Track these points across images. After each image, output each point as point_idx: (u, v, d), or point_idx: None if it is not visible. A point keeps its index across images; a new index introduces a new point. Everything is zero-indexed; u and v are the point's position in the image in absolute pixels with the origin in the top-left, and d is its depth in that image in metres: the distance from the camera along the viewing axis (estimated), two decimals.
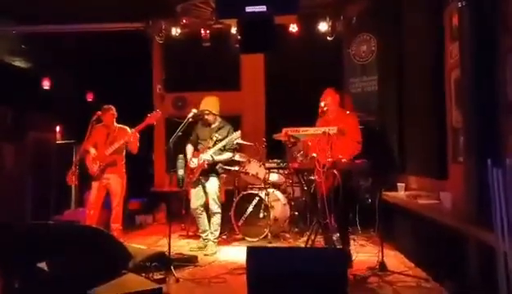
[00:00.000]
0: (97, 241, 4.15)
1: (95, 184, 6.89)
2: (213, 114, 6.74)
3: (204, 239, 6.80)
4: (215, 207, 6.70)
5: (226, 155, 6.72)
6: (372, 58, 8.31)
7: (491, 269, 3.56)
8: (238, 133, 6.65)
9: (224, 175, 7.33)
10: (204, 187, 6.71)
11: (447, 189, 5.34)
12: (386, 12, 7.70)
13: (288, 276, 3.68)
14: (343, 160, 5.50)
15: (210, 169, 6.66)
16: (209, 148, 6.60)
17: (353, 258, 5.77)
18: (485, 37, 4.17)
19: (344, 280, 3.77)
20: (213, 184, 6.70)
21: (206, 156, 6.55)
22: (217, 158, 6.63)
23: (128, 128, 6.92)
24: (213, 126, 6.78)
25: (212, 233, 6.75)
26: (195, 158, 6.64)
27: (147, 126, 6.77)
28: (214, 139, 6.62)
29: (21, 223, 5.26)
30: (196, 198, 6.73)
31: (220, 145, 6.58)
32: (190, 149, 6.81)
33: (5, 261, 4.36)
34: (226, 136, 6.64)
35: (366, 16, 8.27)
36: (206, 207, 6.80)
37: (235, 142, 6.78)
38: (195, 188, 6.70)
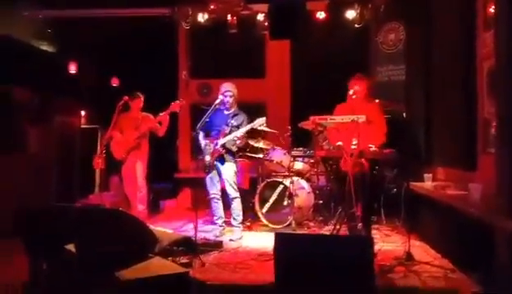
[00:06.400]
0: (124, 224, 4.18)
1: (124, 169, 7.07)
2: (234, 98, 6.70)
3: (220, 226, 6.81)
4: (233, 192, 6.67)
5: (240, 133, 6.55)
6: (400, 47, 8.21)
7: None
8: (263, 119, 6.58)
9: (239, 160, 7.36)
10: (219, 172, 6.69)
11: (476, 181, 5.26)
12: (415, 1, 7.60)
13: (316, 263, 3.67)
14: (372, 149, 5.45)
15: (226, 154, 6.63)
16: (226, 134, 6.54)
17: (377, 248, 5.72)
18: None
19: (371, 268, 3.75)
20: (229, 168, 6.67)
21: (227, 139, 6.52)
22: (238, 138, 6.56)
23: (151, 115, 7.07)
24: (228, 112, 6.72)
25: (235, 218, 6.74)
26: (210, 144, 6.56)
27: (171, 113, 6.88)
28: (230, 125, 6.57)
29: (48, 206, 5.29)
30: (212, 184, 6.72)
31: (243, 130, 6.52)
32: (201, 134, 6.72)
33: (33, 243, 4.42)
34: (241, 124, 6.58)
35: (394, 4, 8.15)
36: (222, 193, 6.80)
37: (259, 128, 6.74)
38: (208, 174, 6.66)
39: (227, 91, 6.64)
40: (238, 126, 6.56)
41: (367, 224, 5.78)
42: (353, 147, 5.38)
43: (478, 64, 5.58)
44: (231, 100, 6.65)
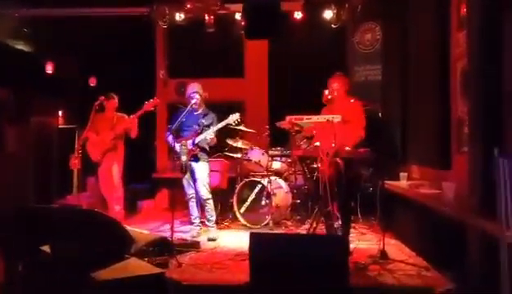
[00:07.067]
0: (100, 225, 4.16)
1: (100, 170, 7.08)
2: (201, 98, 6.72)
3: (198, 226, 6.82)
4: (206, 193, 6.68)
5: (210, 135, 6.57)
6: (377, 47, 8.27)
7: (493, 258, 3.57)
8: (236, 115, 6.61)
9: (218, 160, 7.49)
10: (192, 172, 6.67)
11: (450, 180, 5.33)
12: (391, 1, 7.67)
13: (290, 262, 3.69)
14: (347, 148, 5.49)
15: (199, 154, 6.63)
16: (199, 133, 6.53)
17: (353, 246, 5.77)
18: (493, 26, 4.15)
19: (345, 267, 3.79)
20: (202, 169, 6.68)
21: (200, 138, 6.51)
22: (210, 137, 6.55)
23: (125, 116, 7.06)
24: (197, 112, 6.73)
25: (209, 220, 6.77)
26: (185, 143, 6.45)
27: (145, 112, 6.86)
28: (201, 125, 6.56)
29: (24, 206, 5.25)
30: (189, 184, 6.73)
31: (218, 127, 6.55)
32: (171, 137, 6.66)
33: (8, 244, 4.38)
34: (212, 123, 6.60)
35: (371, 5, 8.20)
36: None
37: (235, 126, 6.77)
38: (185, 175, 6.62)
39: (194, 93, 6.66)
40: (209, 126, 6.58)
41: (346, 224, 5.83)
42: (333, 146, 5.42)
43: (451, 64, 5.65)
44: (198, 100, 6.66)
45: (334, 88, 5.90)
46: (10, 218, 4.44)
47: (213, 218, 6.80)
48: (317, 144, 5.66)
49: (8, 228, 4.42)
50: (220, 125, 6.56)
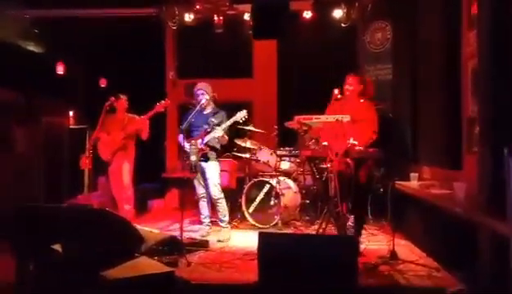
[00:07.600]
0: (110, 224, 4.19)
1: (111, 169, 7.17)
2: (209, 97, 6.71)
3: (207, 225, 6.83)
4: (218, 193, 6.66)
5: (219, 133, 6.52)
6: (387, 46, 8.23)
7: (504, 259, 3.55)
8: (244, 112, 6.59)
9: (226, 160, 7.54)
10: (203, 172, 6.67)
11: (461, 180, 5.29)
12: (401, 0, 7.65)
13: (299, 262, 3.69)
14: (357, 148, 5.48)
15: (209, 153, 6.61)
16: (208, 132, 6.51)
17: (363, 247, 5.76)
18: (504, 25, 4.12)
19: (355, 268, 3.78)
20: (212, 169, 6.67)
21: (210, 136, 6.49)
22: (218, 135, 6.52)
23: (136, 117, 7.14)
24: (206, 111, 6.73)
25: (222, 220, 6.76)
26: (195, 143, 6.33)
27: (156, 113, 6.89)
28: (211, 124, 6.53)
29: (35, 206, 5.29)
30: (199, 184, 6.73)
31: (227, 124, 6.54)
32: (181, 137, 6.69)
33: (20, 244, 4.41)
34: (222, 121, 6.57)
35: (381, 3, 8.19)
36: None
37: (244, 125, 6.79)
38: (196, 175, 6.57)
39: (199, 90, 6.66)
40: (219, 124, 6.55)
41: (359, 224, 5.83)
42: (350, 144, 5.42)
43: (463, 63, 5.61)
44: (203, 98, 6.64)
45: (349, 83, 5.92)
46: (20, 218, 4.47)
47: (226, 218, 6.78)
48: (325, 143, 5.66)
49: (18, 228, 4.45)
50: (228, 122, 6.54)
